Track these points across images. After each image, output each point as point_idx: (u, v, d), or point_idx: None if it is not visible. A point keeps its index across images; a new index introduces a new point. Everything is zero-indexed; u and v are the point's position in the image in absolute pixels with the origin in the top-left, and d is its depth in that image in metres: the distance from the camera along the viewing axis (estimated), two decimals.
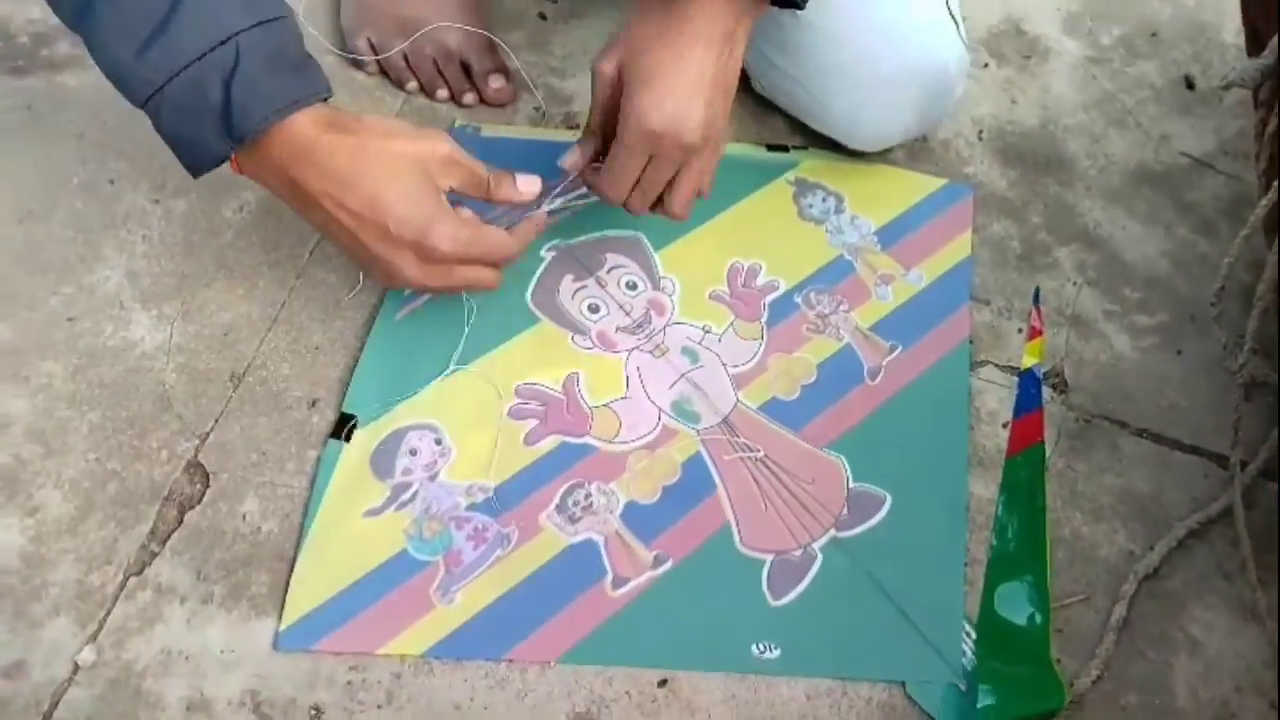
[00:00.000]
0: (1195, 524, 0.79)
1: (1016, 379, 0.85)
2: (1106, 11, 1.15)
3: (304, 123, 0.65)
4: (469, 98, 0.94)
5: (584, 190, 0.79)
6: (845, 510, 0.76)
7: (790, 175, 0.94)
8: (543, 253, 0.85)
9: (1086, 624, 0.75)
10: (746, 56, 0.89)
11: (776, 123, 0.97)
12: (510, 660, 0.68)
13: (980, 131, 1.02)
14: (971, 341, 0.86)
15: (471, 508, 0.73)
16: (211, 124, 0.64)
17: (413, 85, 0.94)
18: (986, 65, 1.07)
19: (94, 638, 0.66)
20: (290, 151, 0.66)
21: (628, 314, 0.83)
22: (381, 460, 0.74)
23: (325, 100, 0.67)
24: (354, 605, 0.68)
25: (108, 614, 0.67)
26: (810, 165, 0.94)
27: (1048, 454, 0.81)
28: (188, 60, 0.62)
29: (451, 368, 0.78)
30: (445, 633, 0.68)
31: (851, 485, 0.77)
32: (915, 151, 0.98)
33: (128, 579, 0.68)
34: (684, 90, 0.71)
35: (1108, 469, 0.82)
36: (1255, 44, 0.89)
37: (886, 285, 0.88)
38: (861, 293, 0.87)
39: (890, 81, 0.87)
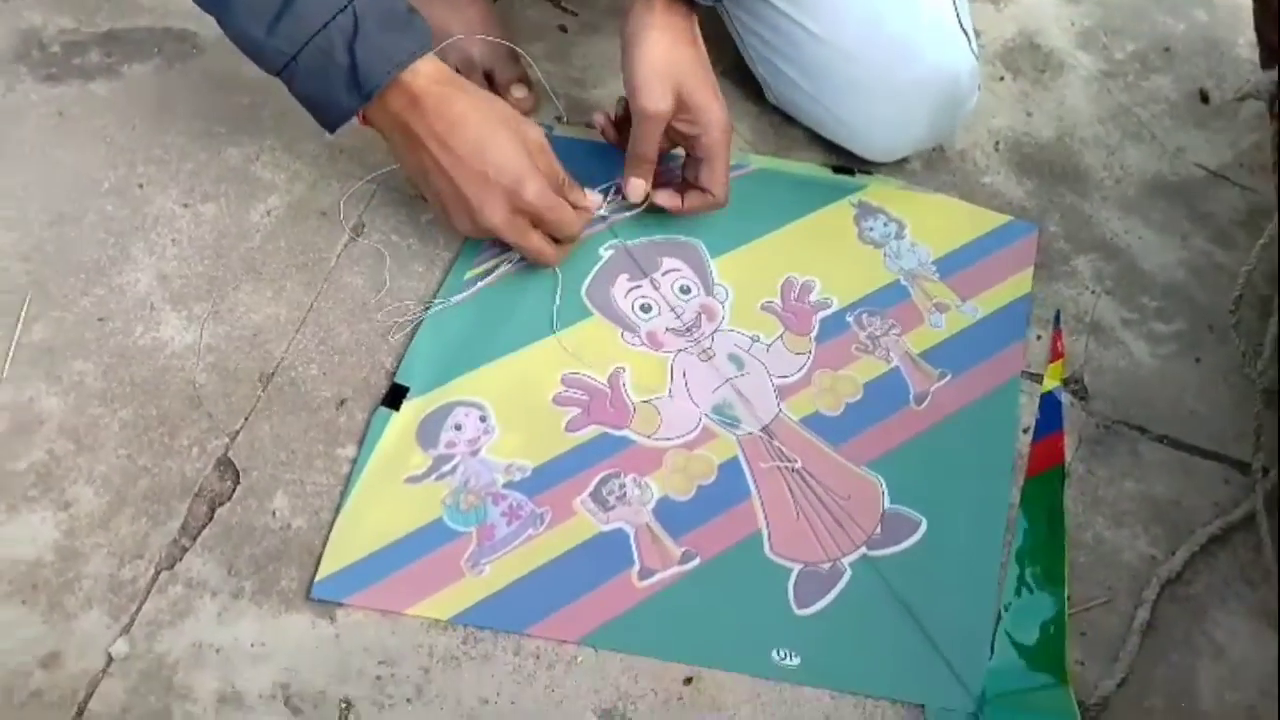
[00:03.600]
0: (1218, 529, 0.79)
1: (1038, 400, 0.85)
2: (1120, 27, 1.16)
3: (424, 73, 0.74)
4: None
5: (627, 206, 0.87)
6: (879, 529, 0.76)
7: (854, 198, 0.94)
8: (601, 250, 0.87)
9: (1109, 628, 0.75)
10: (760, 69, 0.97)
11: (795, 133, 0.99)
12: (531, 635, 0.69)
13: (997, 143, 1.03)
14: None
15: (509, 485, 0.74)
16: (341, 83, 0.72)
17: None
18: (1002, 79, 1.09)
19: (127, 630, 0.66)
20: (409, 101, 0.73)
21: (678, 316, 0.84)
22: (427, 431, 0.75)
23: (430, 49, 0.75)
24: (388, 565, 0.70)
25: (140, 607, 0.67)
26: (875, 190, 0.95)
27: (1068, 459, 0.82)
28: (314, 30, 0.70)
29: (502, 351, 0.80)
30: (472, 601, 0.69)
31: (887, 506, 0.77)
32: (932, 161, 0.99)
33: (159, 573, 0.68)
34: (715, 88, 0.82)
35: (1128, 474, 0.82)
36: (1269, 58, 0.90)
37: (941, 314, 0.88)
38: (914, 318, 0.87)
39: (902, 94, 0.89)
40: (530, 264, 0.83)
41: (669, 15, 0.79)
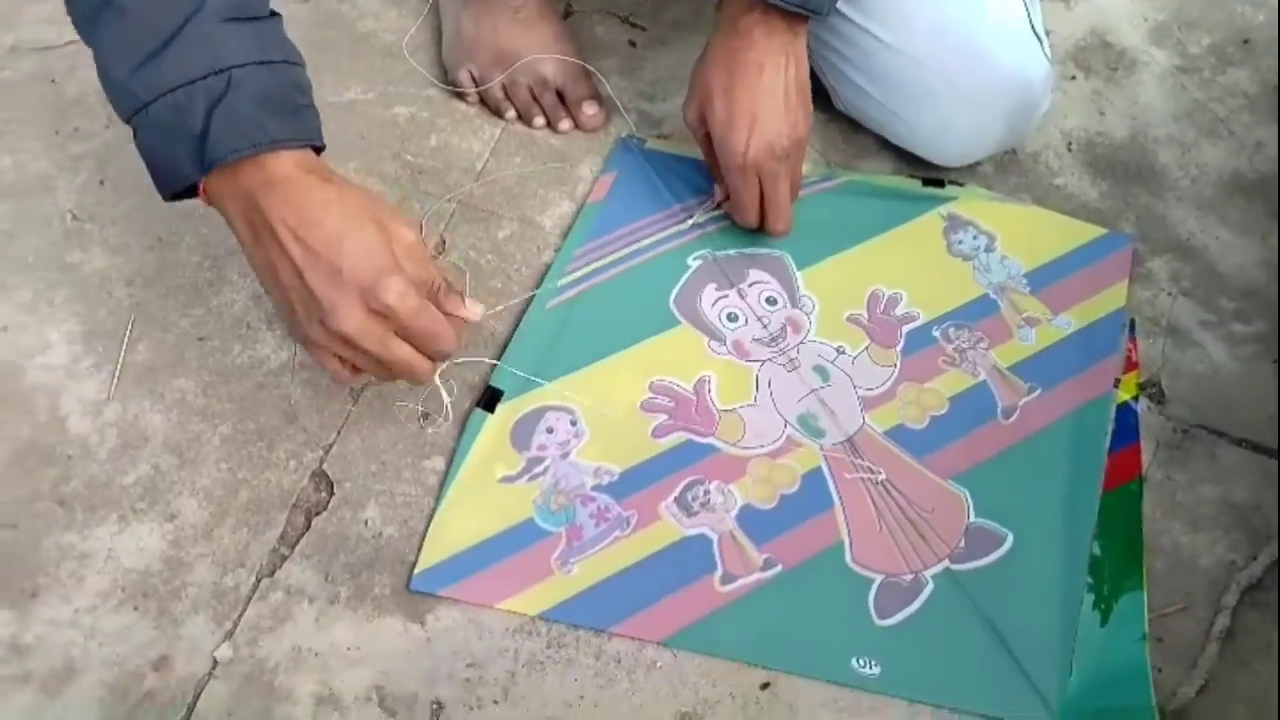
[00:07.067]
0: None
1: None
2: (1195, 20, 1.14)
3: (286, 160, 0.65)
4: (564, 124, 0.97)
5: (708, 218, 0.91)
6: (962, 543, 0.75)
7: (944, 210, 0.93)
8: (689, 260, 0.89)
9: (1187, 634, 0.74)
10: (828, 76, 0.96)
11: (865, 140, 0.99)
12: (615, 634, 0.71)
13: (1069, 143, 1.02)
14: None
15: (597, 488, 0.76)
16: (186, 149, 0.63)
17: (511, 114, 0.98)
18: (1074, 78, 1.07)
19: (230, 635, 0.70)
20: (263, 181, 0.64)
21: (765, 326, 0.86)
22: (521, 433, 0.78)
23: (317, 151, 0.68)
24: (481, 561, 0.73)
25: (242, 613, 0.71)
26: (966, 202, 0.94)
27: (1145, 465, 0.81)
28: (177, 84, 0.62)
29: (593, 358, 0.82)
30: (560, 599, 0.72)
31: (972, 520, 0.77)
32: (1004, 164, 0.99)
33: (260, 581, 0.72)
34: (764, 116, 0.79)
35: (1207, 479, 0.81)
36: None
37: (1031, 328, 0.87)
38: (1003, 332, 0.86)
39: (975, 100, 0.89)
40: (621, 274, 0.86)
41: (730, 34, 0.79)
